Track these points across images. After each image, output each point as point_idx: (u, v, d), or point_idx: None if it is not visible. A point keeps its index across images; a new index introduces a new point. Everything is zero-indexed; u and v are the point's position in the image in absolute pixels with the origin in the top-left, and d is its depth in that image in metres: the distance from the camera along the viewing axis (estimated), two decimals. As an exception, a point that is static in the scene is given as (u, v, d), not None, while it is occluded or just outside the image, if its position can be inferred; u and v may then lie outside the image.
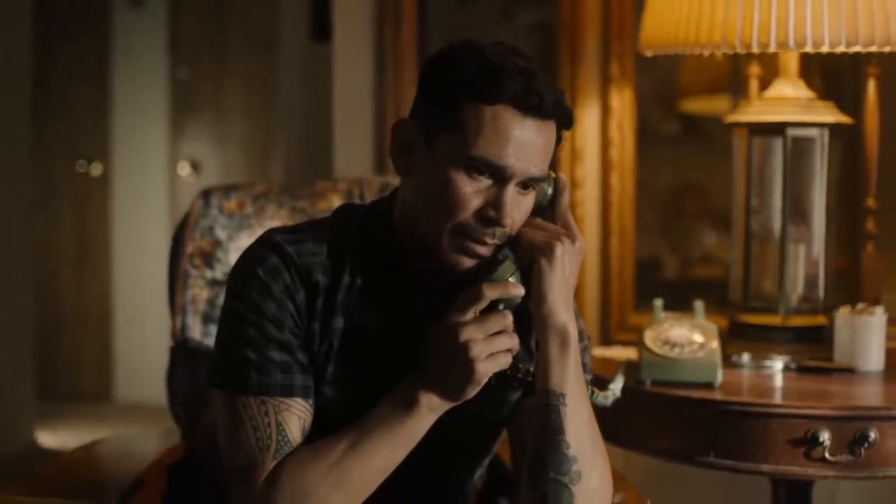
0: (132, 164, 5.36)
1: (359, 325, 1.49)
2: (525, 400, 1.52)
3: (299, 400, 1.44)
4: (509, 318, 1.42)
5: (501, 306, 1.42)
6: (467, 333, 1.39)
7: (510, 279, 1.44)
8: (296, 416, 1.44)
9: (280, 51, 5.07)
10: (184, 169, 5.29)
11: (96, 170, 5.35)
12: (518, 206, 1.43)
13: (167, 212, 5.33)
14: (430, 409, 1.41)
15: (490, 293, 1.41)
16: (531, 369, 1.47)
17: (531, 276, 1.44)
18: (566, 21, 2.75)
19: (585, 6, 2.73)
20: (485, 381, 1.40)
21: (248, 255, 1.49)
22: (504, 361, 1.41)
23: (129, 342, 5.38)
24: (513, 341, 1.42)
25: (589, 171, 2.76)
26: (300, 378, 1.45)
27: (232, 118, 5.22)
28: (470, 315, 1.40)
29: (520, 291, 1.43)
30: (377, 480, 1.43)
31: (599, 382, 1.58)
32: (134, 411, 5.14)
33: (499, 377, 1.46)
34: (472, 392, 1.41)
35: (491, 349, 1.39)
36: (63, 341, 5.40)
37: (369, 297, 1.49)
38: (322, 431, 1.44)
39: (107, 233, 5.39)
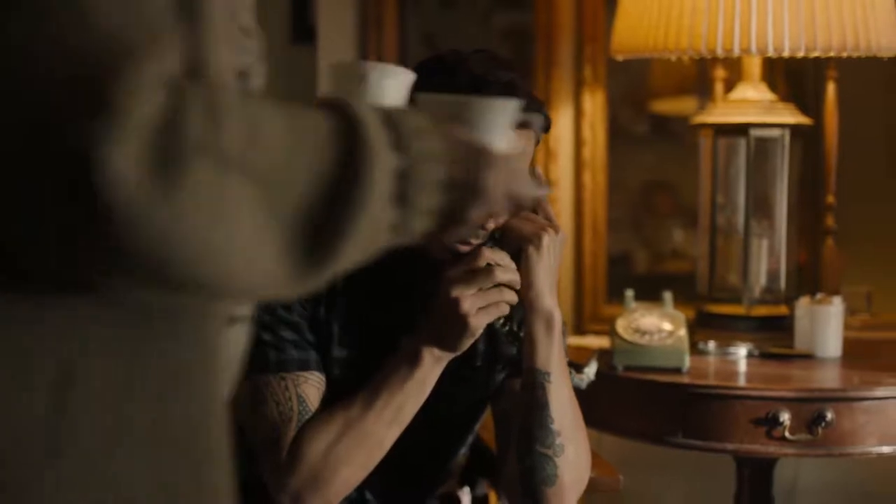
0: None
1: (358, 313, 1.56)
2: (512, 380, 1.60)
3: (316, 373, 1.51)
4: (496, 274, 1.46)
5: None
6: (457, 290, 1.45)
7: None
8: (314, 388, 1.50)
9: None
10: (162, 168, 5.29)
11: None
12: (500, 208, 1.53)
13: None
14: (434, 359, 1.47)
15: (490, 255, 1.47)
16: (517, 328, 1.53)
17: (519, 262, 1.51)
18: (541, 26, 2.76)
19: (560, 12, 2.73)
20: (479, 332, 1.47)
21: None
22: (496, 312, 1.47)
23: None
24: (502, 294, 1.46)
25: (563, 170, 2.77)
26: (313, 354, 1.52)
27: (211, 118, 5.24)
28: (459, 271, 1.46)
29: (516, 276, 1.49)
30: (392, 436, 1.49)
31: (575, 367, 1.65)
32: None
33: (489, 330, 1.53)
34: (468, 343, 1.47)
35: (481, 303, 1.45)
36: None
37: (366, 286, 1.55)
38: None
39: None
